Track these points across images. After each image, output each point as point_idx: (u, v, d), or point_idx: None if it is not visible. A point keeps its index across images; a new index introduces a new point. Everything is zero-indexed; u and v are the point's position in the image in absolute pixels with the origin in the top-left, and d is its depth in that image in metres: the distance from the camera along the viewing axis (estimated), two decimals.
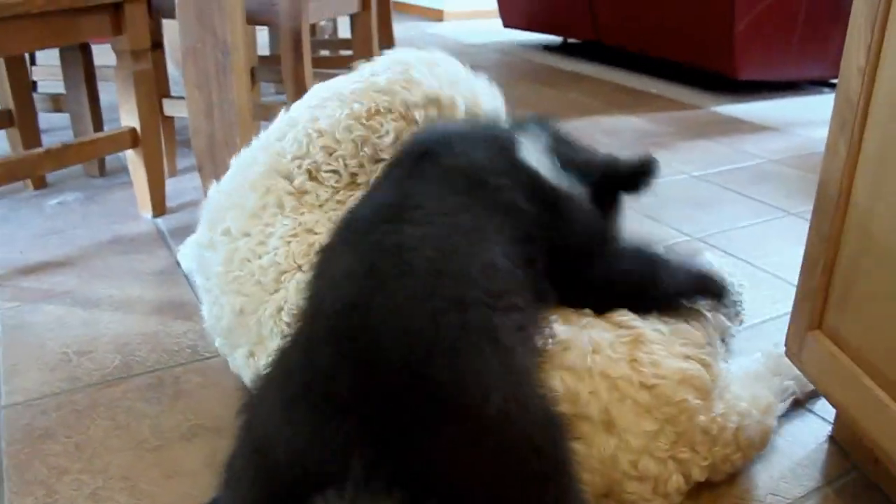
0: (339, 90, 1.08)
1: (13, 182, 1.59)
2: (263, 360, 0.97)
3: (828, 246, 0.90)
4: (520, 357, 0.71)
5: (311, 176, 1.03)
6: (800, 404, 1.10)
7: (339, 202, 1.03)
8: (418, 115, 1.03)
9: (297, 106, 1.12)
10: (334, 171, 1.03)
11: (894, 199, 0.79)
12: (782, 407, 1.05)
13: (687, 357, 0.87)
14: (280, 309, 0.95)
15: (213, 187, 1.13)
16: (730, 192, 1.98)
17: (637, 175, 0.94)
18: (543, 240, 0.83)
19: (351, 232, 0.80)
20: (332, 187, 1.03)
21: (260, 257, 0.99)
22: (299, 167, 1.03)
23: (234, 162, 1.13)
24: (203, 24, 1.52)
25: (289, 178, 1.03)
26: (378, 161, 1.03)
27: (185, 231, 1.56)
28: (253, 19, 1.83)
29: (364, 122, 1.03)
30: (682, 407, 0.85)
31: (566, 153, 0.94)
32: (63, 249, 1.56)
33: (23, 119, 1.85)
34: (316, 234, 0.99)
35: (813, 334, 0.93)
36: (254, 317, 0.98)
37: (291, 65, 1.84)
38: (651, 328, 0.88)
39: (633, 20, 3.14)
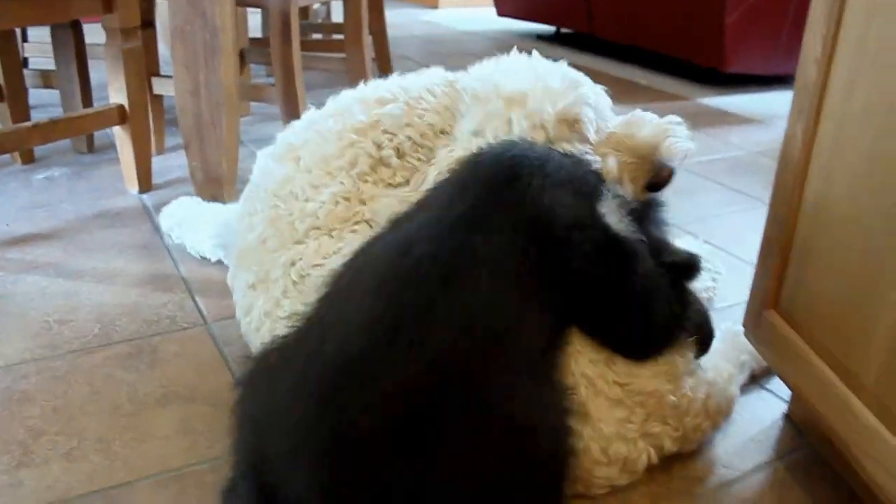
0: (438, 90, 1.06)
1: (1, 155, 1.61)
2: (261, 299, 1.00)
3: (784, 229, 0.93)
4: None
5: (399, 154, 1.02)
6: (755, 380, 1.14)
7: (406, 193, 1.01)
8: (463, 142, 1.01)
9: (410, 78, 1.10)
10: (407, 168, 1.02)
11: (845, 185, 0.82)
12: (741, 378, 1.09)
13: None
14: (293, 262, 0.97)
15: (309, 113, 1.12)
16: (710, 181, 2.01)
17: (683, 273, 0.92)
18: (599, 291, 0.84)
19: (391, 274, 0.76)
20: (405, 180, 1.02)
21: (306, 201, 0.99)
22: (390, 140, 1.02)
23: (331, 101, 1.11)
24: (192, 4, 1.55)
25: (377, 144, 1.02)
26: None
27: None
28: (243, 1, 1.86)
29: (434, 139, 1.03)
30: (654, 394, 0.89)
31: (646, 225, 0.93)
32: (49, 222, 1.59)
33: (12, 94, 1.87)
34: (365, 205, 0.99)
35: (768, 313, 0.97)
36: (270, 255, 0.99)
37: (280, 47, 1.86)
38: None
39: (625, 12, 3.16)
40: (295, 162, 1.04)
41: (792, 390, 1.02)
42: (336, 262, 0.93)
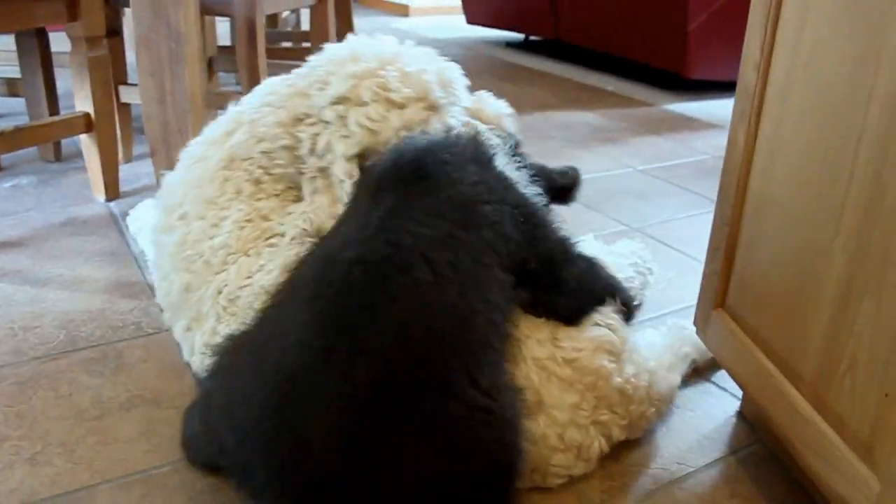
0: (278, 89, 1.09)
1: None
2: (197, 335, 1.02)
3: (729, 230, 0.96)
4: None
5: (265, 170, 1.06)
6: (700, 373, 1.18)
7: (296, 196, 1.07)
8: (329, 115, 1.03)
9: (246, 100, 1.14)
10: (280, 177, 1.06)
11: (784, 184, 0.85)
12: (683, 368, 1.13)
13: (596, 324, 0.93)
14: (219, 291, 1.00)
15: (167, 176, 1.16)
16: (673, 185, 2.05)
17: (567, 187, 1.00)
18: (523, 257, 0.87)
19: (323, 286, 0.76)
20: (286, 186, 1.07)
21: (212, 238, 1.03)
22: (251, 165, 1.06)
23: (184, 154, 1.15)
24: (156, 12, 1.56)
25: (246, 171, 1.06)
26: (311, 167, 1.04)
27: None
28: (208, 9, 1.87)
29: (290, 130, 1.05)
30: (600, 373, 0.92)
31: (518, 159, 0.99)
32: (15, 231, 1.59)
33: None
34: (269, 220, 1.02)
35: (716, 313, 1.00)
36: (196, 294, 1.02)
37: (246, 55, 1.87)
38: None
39: (592, 19, 3.21)
40: (182, 220, 1.07)
41: (737, 382, 1.05)
42: (261, 278, 0.96)
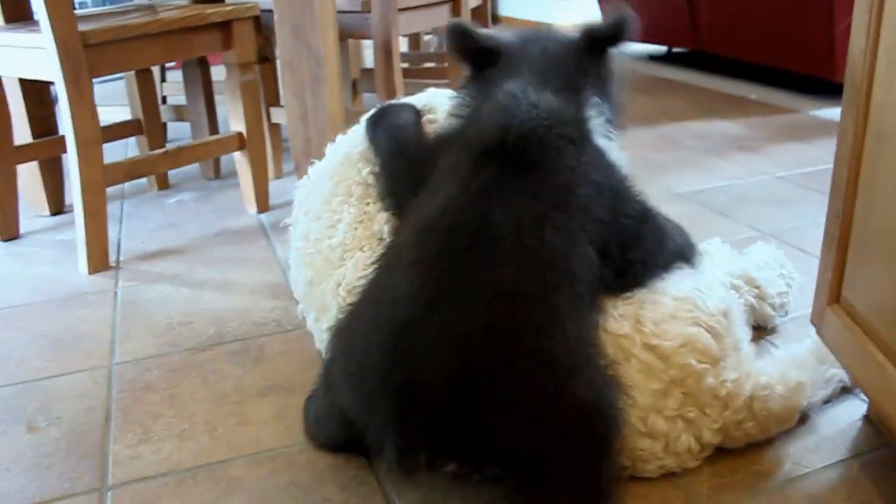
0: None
1: (137, 178, 1.82)
2: (325, 323, 1.11)
3: (841, 223, 0.94)
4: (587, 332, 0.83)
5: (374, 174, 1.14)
6: (847, 391, 1.10)
7: None
8: None
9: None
10: None
11: (893, 176, 0.83)
12: (823, 393, 1.07)
13: (696, 323, 0.93)
14: (339, 284, 1.08)
15: (310, 170, 1.25)
16: (813, 192, 1.97)
17: (615, 32, 0.98)
18: (607, 239, 0.89)
19: (424, 252, 0.82)
20: None
21: (330, 238, 1.12)
22: (364, 165, 1.13)
23: (328, 150, 1.23)
24: (298, 37, 1.70)
25: (358, 169, 1.14)
26: None
27: (286, 226, 1.74)
28: (348, 33, 2.00)
29: None
30: (687, 370, 0.91)
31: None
32: (177, 240, 1.77)
33: (150, 127, 2.10)
34: (377, 222, 1.11)
35: (831, 308, 0.98)
36: (319, 288, 1.11)
37: (383, 75, 1.99)
38: (657, 295, 0.95)
39: (731, 26, 3.13)
40: (306, 215, 1.17)
41: (856, 384, 1.01)
42: None
